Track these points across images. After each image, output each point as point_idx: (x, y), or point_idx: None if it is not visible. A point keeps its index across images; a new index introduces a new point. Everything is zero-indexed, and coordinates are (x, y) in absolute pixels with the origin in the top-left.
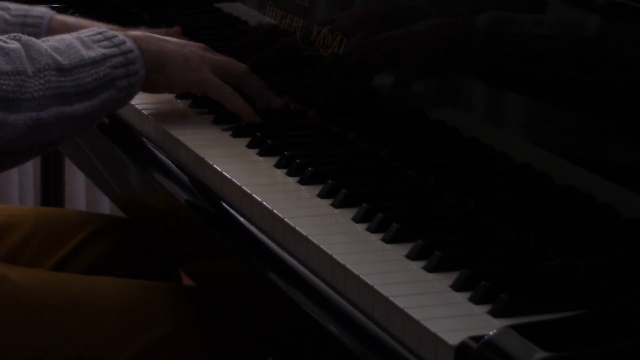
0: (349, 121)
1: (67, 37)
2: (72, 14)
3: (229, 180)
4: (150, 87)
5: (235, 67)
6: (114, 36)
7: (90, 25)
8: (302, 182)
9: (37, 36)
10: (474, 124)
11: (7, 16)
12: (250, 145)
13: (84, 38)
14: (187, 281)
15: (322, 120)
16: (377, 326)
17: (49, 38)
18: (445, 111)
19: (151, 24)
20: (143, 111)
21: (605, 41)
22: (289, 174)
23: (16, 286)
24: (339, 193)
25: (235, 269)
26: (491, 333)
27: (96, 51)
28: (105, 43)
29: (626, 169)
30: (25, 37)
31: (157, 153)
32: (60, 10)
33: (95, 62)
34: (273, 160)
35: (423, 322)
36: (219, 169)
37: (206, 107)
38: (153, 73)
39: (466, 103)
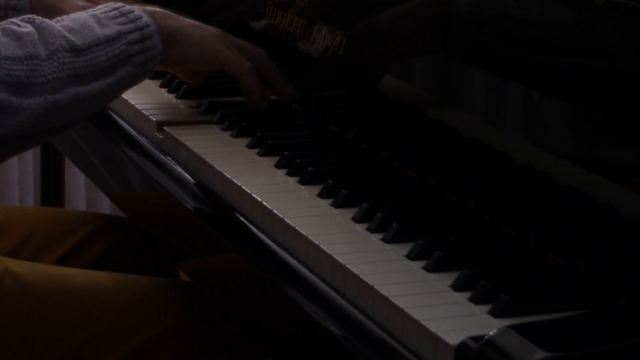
0: (349, 121)
1: (82, 15)
2: None
3: (229, 180)
4: (167, 62)
5: (254, 50)
6: (130, 11)
7: (73, 5)
8: (302, 182)
9: (21, 8)
10: (474, 124)
11: None
12: (250, 145)
13: (99, 15)
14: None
15: (322, 120)
16: (377, 326)
17: (64, 17)
18: (445, 111)
19: None
20: (143, 111)
21: (605, 41)
22: (289, 174)
23: (19, 280)
24: (339, 193)
25: (231, 265)
26: (491, 333)
27: (111, 28)
28: (121, 19)
29: (626, 169)
30: (39, 19)
31: (157, 153)
32: None
33: (110, 39)
34: (273, 160)
35: (423, 322)
36: (219, 169)
37: (207, 108)
38: (170, 48)
39: (466, 103)
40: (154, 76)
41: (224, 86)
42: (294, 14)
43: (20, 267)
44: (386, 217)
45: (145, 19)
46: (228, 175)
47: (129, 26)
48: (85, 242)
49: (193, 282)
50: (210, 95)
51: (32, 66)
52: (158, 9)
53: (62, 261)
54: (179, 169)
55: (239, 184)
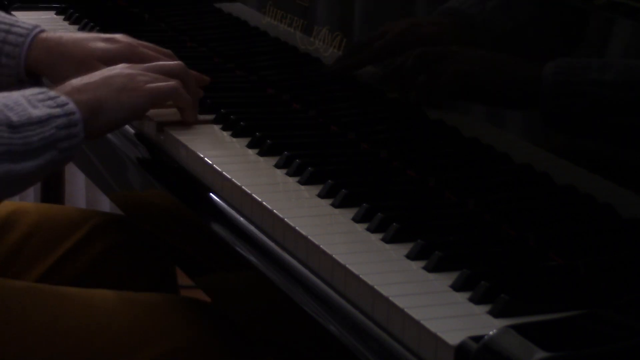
0: (349, 121)
1: (14, 94)
2: (72, 14)
3: (229, 180)
4: (97, 134)
5: (169, 66)
6: (57, 96)
7: (73, 39)
8: (302, 182)
9: (15, 56)
10: (474, 124)
11: None
12: (250, 145)
13: (30, 97)
14: (184, 281)
15: (322, 120)
16: (377, 326)
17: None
18: (445, 111)
19: (151, 24)
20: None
21: (605, 41)
22: (289, 174)
23: (13, 304)
24: (339, 193)
25: (242, 276)
26: (491, 333)
27: (42, 110)
28: (49, 102)
29: (626, 169)
30: None
31: (157, 153)
32: (60, 10)
33: (41, 121)
34: (273, 160)
35: (423, 322)
36: (219, 169)
37: (207, 108)
38: (94, 121)
39: (466, 103)
40: None
41: (222, 85)
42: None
43: (15, 289)
44: (386, 217)
45: (71, 105)
46: (228, 175)
47: (57, 110)
48: (85, 240)
49: (196, 288)
50: (210, 95)
51: None
52: (69, 87)
53: (61, 262)
54: (179, 169)
55: (239, 184)
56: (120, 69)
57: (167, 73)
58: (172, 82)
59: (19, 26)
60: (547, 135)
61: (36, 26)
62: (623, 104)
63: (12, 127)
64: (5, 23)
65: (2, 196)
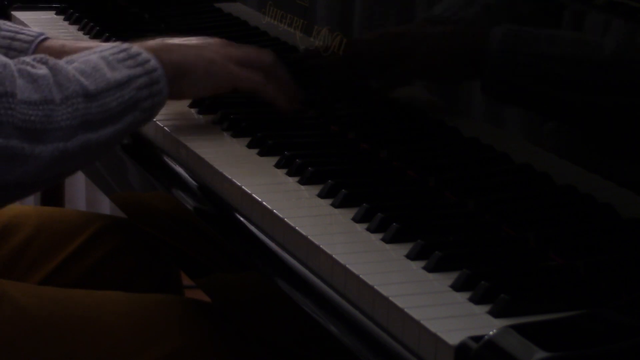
0: (349, 121)
1: (92, 57)
2: (72, 14)
3: (229, 180)
4: (178, 96)
5: (260, 58)
6: (138, 54)
7: (76, 48)
8: (302, 182)
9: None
10: (474, 124)
11: None
12: (250, 145)
13: (109, 57)
14: (186, 281)
15: (322, 120)
16: (377, 326)
17: (74, 58)
18: (445, 111)
19: (151, 24)
20: None
21: (605, 41)
22: (289, 174)
23: (18, 305)
24: (339, 193)
25: (249, 281)
26: (491, 333)
27: (121, 72)
28: (129, 62)
29: (626, 169)
30: (52, 60)
31: (157, 153)
32: (60, 10)
33: (120, 84)
34: (273, 160)
35: (423, 322)
36: (219, 169)
37: (206, 108)
38: (177, 83)
39: (466, 103)
40: None
41: None
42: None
43: (19, 291)
44: (386, 217)
45: (153, 62)
46: (228, 175)
47: (138, 70)
48: (87, 244)
49: (196, 289)
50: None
51: (47, 111)
52: (159, 43)
53: (64, 265)
54: (179, 169)
55: (239, 184)
56: (216, 42)
57: (257, 65)
58: (258, 77)
59: (23, 33)
60: (547, 135)
61: (41, 33)
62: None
63: (89, 95)
64: (10, 30)
65: (83, 164)
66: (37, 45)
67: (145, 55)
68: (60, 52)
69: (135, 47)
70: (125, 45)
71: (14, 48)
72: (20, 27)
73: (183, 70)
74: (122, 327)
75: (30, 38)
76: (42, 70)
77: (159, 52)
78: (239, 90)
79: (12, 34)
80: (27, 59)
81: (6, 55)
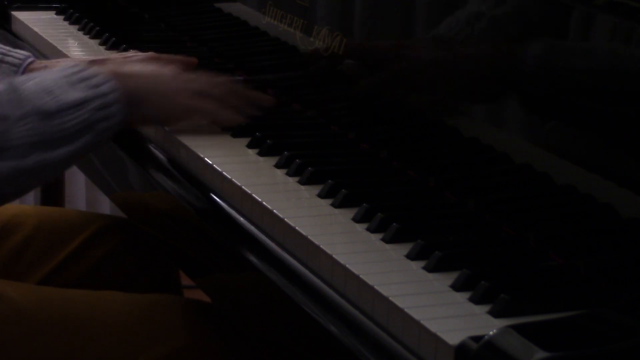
0: (349, 121)
1: (52, 76)
2: (72, 14)
3: (229, 180)
4: (130, 123)
5: (213, 89)
6: (94, 76)
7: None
8: (302, 182)
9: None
10: (474, 124)
11: None
12: (250, 145)
13: (66, 78)
14: (186, 281)
15: (322, 120)
16: (377, 326)
17: (32, 76)
18: (445, 111)
19: (151, 24)
20: None
21: (605, 41)
22: (289, 174)
23: (15, 305)
24: (339, 193)
25: (248, 281)
26: (491, 333)
27: (78, 93)
28: (86, 83)
29: (626, 169)
30: (8, 79)
31: (157, 153)
32: (60, 10)
33: (77, 105)
34: (273, 160)
35: (423, 322)
36: (219, 169)
37: None
38: (133, 109)
39: (466, 103)
40: None
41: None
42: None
43: (17, 291)
44: (386, 217)
45: (110, 84)
46: (228, 175)
47: (95, 91)
48: (86, 244)
49: (197, 289)
50: None
51: (2, 128)
52: (116, 69)
53: (63, 265)
54: (179, 169)
55: (239, 184)
56: (169, 71)
57: (211, 93)
58: (211, 107)
59: (11, 56)
60: (547, 135)
61: (28, 56)
62: (605, 92)
63: (46, 115)
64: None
65: (37, 184)
66: (25, 68)
67: (102, 77)
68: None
69: (91, 69)
70: (82, 67)
71: (1, 71)
72: (9, 48)
73: (138, 98)
74: (121, 327)
75: (18, 61)
76: (1, 86)
77: (118, 76)
78: (197, 121)
79: (0, 56)
80: None
81: None
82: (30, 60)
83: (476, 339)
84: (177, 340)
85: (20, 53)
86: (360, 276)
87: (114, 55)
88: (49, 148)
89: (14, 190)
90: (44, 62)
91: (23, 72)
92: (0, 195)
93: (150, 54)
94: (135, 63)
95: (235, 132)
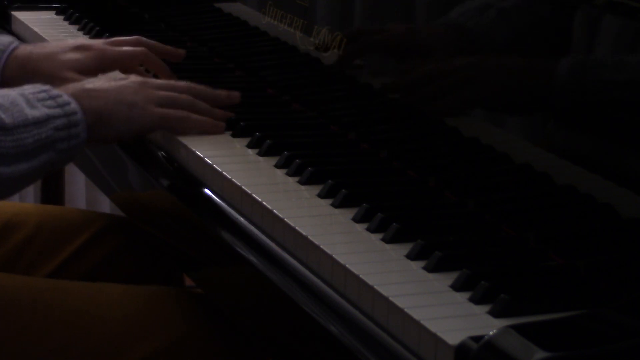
0: (349, 121)
1: (11, 93)
2: (72, 14)
3: (229, 180)
4: (99, 140)
5: (179, 97)
6: (58, 95)
7: (44, 52)
8: (302, 182)
9: None
10: (474, 124)
11: None
12: (250, 145)
13: (29, 95)
14: (189, 282)
15: (322, 120)
16: (377, 326)
17: None
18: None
19: (151, 24)
20: None
21: (605, 40)
22: (289, 173)
23: (11, 297)
24: (339, 193)
25: (241, 275)
26: (491, 333)
27: (40, 110)
28: (49, 102)
29: (626, 169)
30: None
31: (157, 153)
32: (60, 10)
33: (38, 122)
34: (273, 160)
35: (423, 322)
36: (219, 169)
37: None
38: (98, 128)
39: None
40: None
41: (222, 85)
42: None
43: (12, 283)
44: (386, 217)
45: (73, 105)
46: (228, 175)
47: (57, 111)
48: (88, 244)
49: (199, 289)
50: None
51: None
52: (80, 89)
53: (65, 263)
54: (179, 169)
55: (239, 183)
56: (133, 83)
57: (177, 100)
58: (180, 113)
59: None
60: (547, 135)
61: (11, 42)
62: (632, 103)
63: (4, 129)
64: None
65: (1, 197)
66: (9, 55)
67: (66, 97)
68: (28, 60)
69: (56, 90)
70: (47, 87)
71: None
72: None
73: (104, 116)
74: (117, 319)
75: (1, 47)
76: None
77: (80, 97)
78: (167, 129)
79: None
80: None
81: None
82: (14, 45)
83: (476, 339)
84: (175, 331)
85: (3, 39)
86: (360, 276)
87: (97, 40)
88: (6, 162)
89: None
90: (29, 47)
91: (7, 58)
92: None
93: (135, 37)
94: (98, 79)
95: (235, 132)
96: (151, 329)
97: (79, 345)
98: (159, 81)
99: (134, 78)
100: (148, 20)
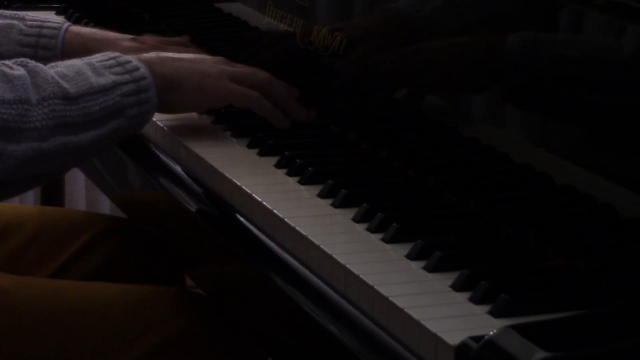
0: (349, 121)
1: (78, 62)
2: (72, 14)
3: (229, 181)
4: (168, 109)
5: (255, 77)
6: (127, 62)
7: (105, 36)
8: (302, 182)
9: (52, 47)
10: (474, 124)
11: (22, 26)
12: (250, 145)
13: (95, 64)
14: (190, 282)
15: (322, 120)
16: (377, 326)
17: (58, 64)
18: (445, 111)
19: (151, 24)
20: None
21: (605, 40)
22: (289, 174)
23: (11, 296)
24: (339, 193)
25: (240, 273)
26: (491, 333)
27: (107, 78)
28: (117, 69)
29: (626, 169)
30: (32, 63)
31: (157, 153)
32: (60, 10)
33: (104, 89)
34: (273, 160)
35: (423, 322)
36: (219, 169)
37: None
38: (168, 95)
39: (466, 103)
40: None
41: None
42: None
43: (12, 283)
44: (386, 217)
45: (143, 70)
46: (228, 175)
47: (125, 77)
48: (88, 247)
49: (198, 288)
50: None
51: (22, 111)
52: (153, 56)
53: (66, 265)
54: (179, 169)
55: (239, 184)
56: (211, 58)
57: (252, 81)
58: (253, 92)
59: (49, 20)
60: (547, 135)
61: (65, 20)
62: (591, 81)
63: (68, 98)
64: (36, 20)
65: (57, 170)
66: (66, 30)
67: (135, 63)
68: (90, 38)
69: (125, 56)
70: (116, 54)
71: (44, 35)
72: (44, 16)
73: (175, 82)
74: (115, 317)
75: (57, 24)
76: (19, 72)
77: (151, 63)
78: (233, 106)
79: (39, 23)
80: (8, 61)
81: (36, 43)
82: (68, 24)
83: (476, 339)
84: (171, 329)
85: (57, 18)
86: (360, 276)
87: (147, 37)
88: (73, 131)
89: (31, 174)
90: (88, 28)
91: (64, 34)
92: (15, 180)
93: (185, 37)
94: (174, 49)
95: (236, 132)
96: (148, 327)
97: (78, 344)
98: (235, 64)
99: (212, 57)
100: (148, 21)
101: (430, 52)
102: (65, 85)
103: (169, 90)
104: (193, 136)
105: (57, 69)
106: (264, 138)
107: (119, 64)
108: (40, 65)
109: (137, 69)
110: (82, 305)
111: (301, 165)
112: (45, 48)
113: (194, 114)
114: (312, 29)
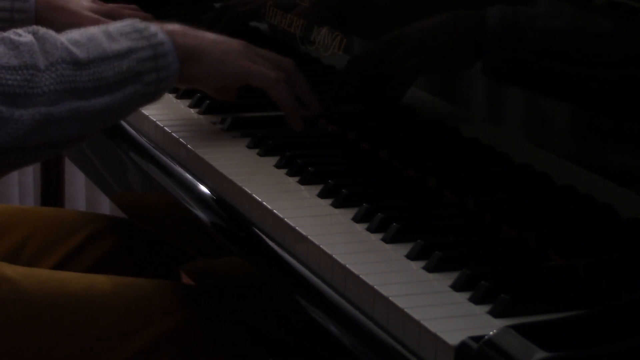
0: (349, 121)
1: (92, 29)
2: None
3: (229, 180)
4: (187, 81)
5: (280, 60)
6: (145, 28)
7: (79, 5)
8: (302, 182)
9: (26, 10)
10: (474, 124)
11: None
12: (250, 145)
13: (111, 30)
14: (186, 281)
15: (322, 120)
16: (377, 326)
17: (73, 30)
18: (446, 111)
19: None
20: (142, 111)
21: (605, 40)
22: (290, 173)
23: (15, 285)
24: (339, 193)
25: (234, 267)
26: (491, 333)
27: (121, 44)
28: (133, 35)
29: (626, 169)
30: (43, 30)
31: (157, 153)
32: None
33: (118, 55)
34: (273, 160)
35: (423, 322)
36: (219, 169)
37: (207, 108)
38: (189, 66)
39: (466, 103)
40: None
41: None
42: (294, 14)
43: (16, 272)
44: (386, 217)
45: (161, 36)
46: (228, 176)
47: (142, 42)
48: (85, 244)
49: (194, 284)
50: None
51: (27, 76)
52: (177, 27)
53: (62, 263)
54: (179, 170)
55: (239, 184)
56: (234, 40)
57: (275, 65)
58: (272, 74)
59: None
60: (547, 135)
61: None
62: (574, 53)
63: (78, 63)
64: None
65: (75, 133)
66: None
67: (153, 29)
68: (65, 1)
69: (144, 23)
70: (135, 20)
71: (17, 9)
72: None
73: (196, 54)
74: (110, 310)
75: None
76: (27, 38)
77: (173, 34)
78: (250, 85)
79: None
80: (18, 29)
81: (11, 18)
82: None
83: (476, 339)
84: (172, 322)
85: None
86: (360, 276)
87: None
88: (84, 96)
89: (43, 141)
90: None
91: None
92: (26, 147)
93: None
94: (128, 13)
95: (236, 132)
96: (148, 319)
97: (80, 334)
98: (260, 49)
99: (236, 40)
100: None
101: (412, 34)
102: (75, 50)
103: (189, 61)
104: (193, 136)
105: (69, 36)
106: (264, 138)
107: (136, 30)
108: (51, 32)
109: (155, 34)
110: (82, 296)
111: (301, 165)
112: (20, 11)
113: (194, 114)
114: (312, 29)
